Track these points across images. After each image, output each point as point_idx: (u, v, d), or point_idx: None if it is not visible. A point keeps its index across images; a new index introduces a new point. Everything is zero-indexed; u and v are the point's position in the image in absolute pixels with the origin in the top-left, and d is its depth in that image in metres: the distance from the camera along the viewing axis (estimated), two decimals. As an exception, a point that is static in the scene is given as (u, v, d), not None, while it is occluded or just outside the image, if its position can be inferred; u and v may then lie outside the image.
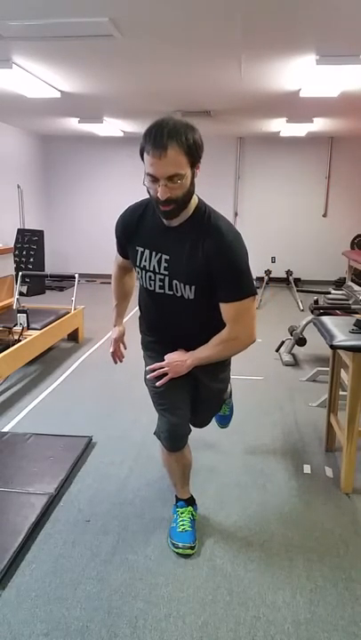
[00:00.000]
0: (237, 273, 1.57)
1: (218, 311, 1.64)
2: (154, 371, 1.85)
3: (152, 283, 1.70)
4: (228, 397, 2.51)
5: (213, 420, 2.58)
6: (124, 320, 2.12)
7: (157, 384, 1.74)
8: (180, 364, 1.71)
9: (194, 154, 1.44)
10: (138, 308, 1.92)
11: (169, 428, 1.87)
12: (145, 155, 1.43)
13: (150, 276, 1.69)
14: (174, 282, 1.64)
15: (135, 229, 1.71)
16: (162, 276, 1.66)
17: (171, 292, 1.67)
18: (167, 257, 1.63)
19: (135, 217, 1.71)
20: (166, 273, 1.65)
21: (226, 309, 1.62)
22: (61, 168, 8.37)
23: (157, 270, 1.66)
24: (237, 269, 1.57)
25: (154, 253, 1.66)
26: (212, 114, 5.79)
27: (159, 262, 1.65)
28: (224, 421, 2.61)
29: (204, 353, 1.70)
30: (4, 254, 5.04)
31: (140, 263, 1.71)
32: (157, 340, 1.86)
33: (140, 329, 1.94)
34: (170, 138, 1.38)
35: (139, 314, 1.94)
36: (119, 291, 2.05)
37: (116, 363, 2.09)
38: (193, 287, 1.62)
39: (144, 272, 1.70)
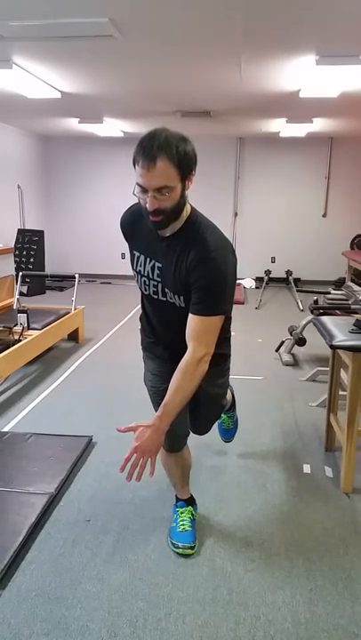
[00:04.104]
0: (214, 287, 1.52)
1: None
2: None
3: (147, 287, 1.71)
4: (230, 408, 2.51)
5: (217, 431, 2.58)
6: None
7: (136, 478, 1.53)
8: (152, 438, 1.53)
9: (184, 166, 1.43)
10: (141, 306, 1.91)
11: (168, 428, 1.87)
12: (136, 165, 1.43)
13: (145, 281, 1.70)
14: (166, 289, 1.65)
15: (132, 234, 1.71)
16: (155, 282, 1.67)
17: (164, 299, 1.68)
18: (159, 265, 1.63)
19: (131, 222, 1.70)
20: (159, 280, 1.65)
21: (193, 322, 1.55)
22: (61, 168, 8.38)
23: (151, 276, 1.67)
24: (215, 283, 1.52)
25: (148, 259, 1.66)
26: (212, 114, 5.79)
27: (152, 269, 1.65)
28: (228, 435, 2.61)
29: (174, 400, 1.54)
30: (4, 254, 5.04)
31: (136, 267, 1.72)
32: (156, 341, 1.86)
33: (141, 329, 1.94)
34: (160, 149, 1.38)
35: (140, 313, 1.94)
36: None
37: None
38: (182, 297, 1.61)
39: (139, 276, 1.71)
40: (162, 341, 1.83)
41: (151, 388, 1.89)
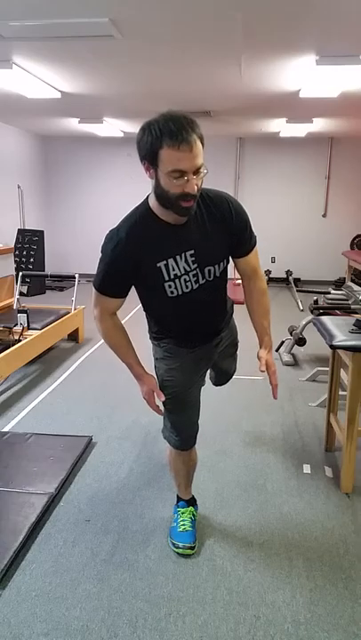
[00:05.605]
0: (247, 221, 1.72)
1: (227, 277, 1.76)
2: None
3: (188, 284, 1.63)
4: None
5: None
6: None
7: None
8: (272, 358, 1.88)
9: (203, 143, 1.44)
10: (143, 308, 1.81)
11: (186, 426, 1.90)
12: (166, 150, 1.35)
13: (185, 279, 1.62)
14: (206, 269, 1.64)
15: (146, 248, 1.57)
16: (194, 272, 1.63)
17: (204, 280, 1.66)
18: (191, 252, 1.60)
19: (140, 235, 1.56)
20: (195, 265, 1.62)
21: (250, 260, 1.76)
22: (61, 168, 8.37)
23: (189, 270, 1.62)
24: (245, 218, 1.71)
25: (179, 257, 1.59)
26: (212, 114, 5.79)
27: (187, 261, 1.60)
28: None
29: (268, 319, 1.89)
30: (4, 254, 5.04)
31: (169, 276, 1.60)
32: (183, 336, 1.80)
33: (156, 340, 1.85)
34: (191, 129, 1.36)
35: (144, 319, 1.86)
36: (124, 341, 1.76)
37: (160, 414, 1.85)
38: (224, 261, 1.69)
39: (177, 280, 1.61)
40: (186, 336, 1.79)
41: (175, 386, 1.80)
